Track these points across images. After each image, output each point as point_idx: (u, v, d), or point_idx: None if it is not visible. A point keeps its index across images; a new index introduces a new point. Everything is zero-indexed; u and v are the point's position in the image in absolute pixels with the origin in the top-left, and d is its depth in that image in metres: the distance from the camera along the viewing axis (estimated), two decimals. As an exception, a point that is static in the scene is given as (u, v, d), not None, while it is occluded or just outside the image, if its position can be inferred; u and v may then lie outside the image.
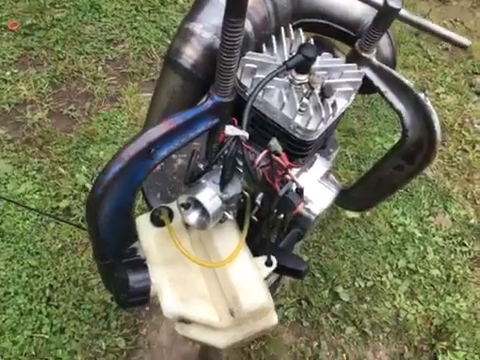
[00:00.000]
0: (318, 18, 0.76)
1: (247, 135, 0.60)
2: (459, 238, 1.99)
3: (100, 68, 2.27)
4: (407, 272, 1.87)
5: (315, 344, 1.70)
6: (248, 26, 0.66)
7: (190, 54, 0.65)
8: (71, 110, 2.12)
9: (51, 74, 2.21)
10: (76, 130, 2.06)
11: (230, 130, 0.59)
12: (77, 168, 1.95)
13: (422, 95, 0.72)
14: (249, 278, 0.68)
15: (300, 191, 0.68)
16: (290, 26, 0.70)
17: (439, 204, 2.08)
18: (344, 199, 1.07)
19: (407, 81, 0.73)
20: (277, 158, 0.64)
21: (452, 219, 2.05)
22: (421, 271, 1.87)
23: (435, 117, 0.71)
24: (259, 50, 0.69)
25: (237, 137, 0.60)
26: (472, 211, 2.09)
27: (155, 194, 0.90)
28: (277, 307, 1.74)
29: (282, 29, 0.69)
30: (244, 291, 0.66)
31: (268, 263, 0.73)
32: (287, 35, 0.70)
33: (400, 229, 1.95)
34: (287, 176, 0.67)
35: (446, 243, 1.97)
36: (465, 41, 0.67)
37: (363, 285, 1.82)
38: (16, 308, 1.60)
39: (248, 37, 0.67)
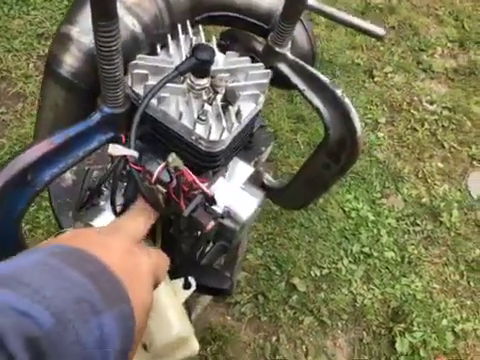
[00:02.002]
0: (224, 10, 0.69)
1: (136, 154, 0.52)
2: (412, 218, 2.00)
3: (31, 65, 2.12)
4: (362, 257, 1.86)
5: (274, 338, 1.67)
6: (136, 26, 0.58)
7: (70, 62, 0.57)
8: (2, 113, 1.97)
9: (-23, 75, 2.05)
10: (8, 134, 1.92)
11: (114, 149, 0.51)
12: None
13: (339, 91, 0.66)
14: (161, 307, 0.61)
15: (212, 203, 0.62)
16: (188, 23, 0.63)
17: (391, 185, 2.07)
18: (279, 197, 1.02)
19: (323, 77, 0.67)
20: (182, 173, 0.57)
21: (404, 200, 2.05)
22: (376, 254, 1.87)
23: (354, 114, 0.66)
24: (154, 52, 0.62)
25: (124, 157, 0.52)
26: (424, 190, 2.10)
27: (67, 213, 0.81)
28: (234, 304, 1.70)
29: (179, 27, 0.61)
30: (156, 323, 0.60)
31: (186, 286, 0.67)
32: (185, 33, 0.62)
33: (353, 214, 1.94)
34: (194, 192, 0.60)
35: (399, 224, 1.97)
36: (379, 30, 0.61)
37: (319, 274, 1.80)
38: None
39: (137, 38, 0.59)
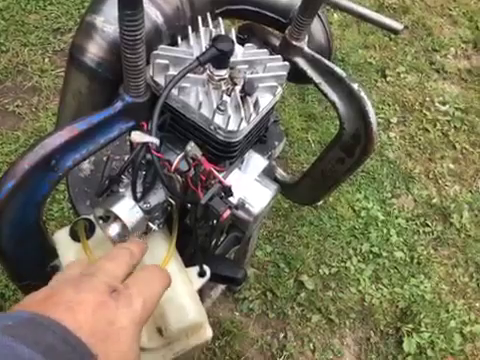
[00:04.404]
0: (243, 4, 0.70)
1: (157, 141, 0.54)
2: (422, 219, 1.99)
3: (47, 60, 2.15)
4: (371, 256, 1.86)
5: (281, 335, 1.68)
6: (158, 17, 0.59)
7: (94, 51, 0.58)
8: (17, 106, 2.00)
9: (-6, 68, 2.08)
10: (23, 127, 1.94)
11: (137, 136, 0.53)
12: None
13: (356, 85, 0.67)
14: (177, 293, 0.62)
15: (228, 194, 0.63)
16: (208, 15, 0.64)
17: (401, 185, 2.07)
18: (291, 193, 1.03)
19: (340, 71, 0.68)
20: (200, 162, 0.59)
21: (415, 200, 2.04)
22: (385, 254, 1.87)
23: (370, 108, 0.67)
24: (175, 43, 0.63)
25: (146, 144, 0.54)
26: (434, 190, 2.09)
27: (84, 202, 0.83)
28: (242, 300, 1.71)
29: (199, 19, 0.63)
30: (171, 308, 0.61)
31: (201, 274, 0.68)
32: (205, 25, 0.63)
33: (363, 213, 1.94)
34: (211, 181, 0.61)
35: (409, 224, 1.97)
36: (397, 25, 0.62)
37: (328, 272, 1.80)
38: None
39: (159, 29, 0.60)
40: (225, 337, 1.61)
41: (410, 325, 1.73)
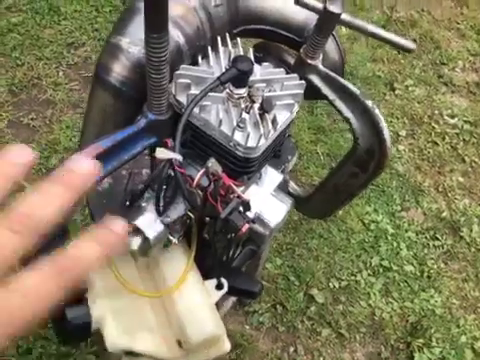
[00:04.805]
0: (260, 24, 0.72)
1: (180, 158, 0.55)
2: (432, 232, 1.99)
3: (61, 73, 2.19)
4: (381, 270, 1.86)
5: (291, 349, 1.67)
6: (179, 38, 0.61)
7: (119, 71, 0.60)
8: (32, 119, 2.04)
9: (9, 82, 2.13)
10: (38, 140, 1.98)
11: (161, 153, 0.55)
12: (39, 180, 1.87)
13: (370, 102, 0.69)
14: (196, 306, 0.64)
15: (246, 208, 0.64)
16: (227, 35, 0.66)
17: (411, 199, 2.07)
18: (304, 207, 1.04)
19: (354, 88, 0.70)
20: (219, 177, 0.60)
21: (424, 213, 2.04)
22: (395, 268, 1.86)
23: (383, 125, 0.68)
24: (195, 62, 0.65)
25: (170, 160, 0.55)
26: (444, 204, 2.09)
27: (102, 215, 0.85)
28: (252, 313, 1.71)
29: (218, 39, 0.65)
30: (191, 320, 0.62)
31: (219, 286, 0.69)
32: (224, 45, 0.65)
33: (373, 226, 1.94)
34: (231, 196, 0.63)
35: (419, 238, 1.97)
36: (409, 44, 0.64)
37: (338, 285, 1.80)
38: (-22, 331, 1.53)
39: (181, 50, 0.62)
40: (235, 350, 1.61)
41: (421, 340, 1.71)
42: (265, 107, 0.61)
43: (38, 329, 1.48)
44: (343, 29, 2.67)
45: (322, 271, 1.82)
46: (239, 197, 0.62)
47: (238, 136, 0.60)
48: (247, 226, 0.62)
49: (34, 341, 1.54)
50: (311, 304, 1.75)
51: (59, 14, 2.39)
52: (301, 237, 1.89)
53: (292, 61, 0.79)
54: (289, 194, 1.02)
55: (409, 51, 0.66)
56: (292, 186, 1.06)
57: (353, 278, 1.82)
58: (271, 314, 1.72)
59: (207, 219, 0.67)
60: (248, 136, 0.59)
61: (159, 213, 0.60)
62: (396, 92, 2.44)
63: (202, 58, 0.65)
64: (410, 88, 2.47)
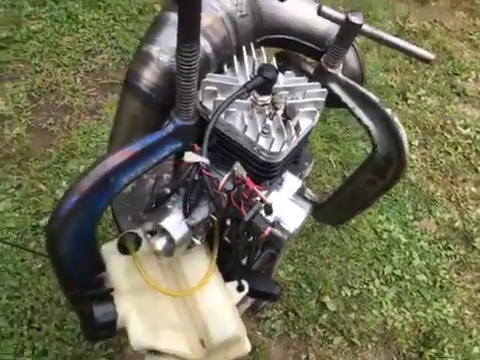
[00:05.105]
0: (283, 34, 0.75)
1: (207, 161, 0.58)
2: (444, 242, 1.98)
3: (79, 80, 2.24)
4: (394, 279, 1.85)
5: (303, 356, 1.67)
6: (207, 47, 0.64)
7: (149, 77, 0.63)
8: (50, 124, 2.09)
9: (29, 88, 2.18)
10: (55, 145, 2.02)
11: (189, 157, 0.57)
12: (57, 184, 1.91)
13: (389, 111, 0.70)
14: (218, 306, 0.66)
15: (268, 212, 0.66)
16: (252, 45, 0.68)
17: (423, 208, 2.07)
18: (319, 212, 1.05)
19: (374, 97, 0.72)
20: (244, 181, 0.62)
21: (437, 223, 2.04)
22: (407, 277, 1.86)
23: (402, 133, 0.70)
24: (221, 70, 0.68)
25: (197, 163, 0.58)
26: (456, 214, 2.09)
27: (126, 217, 0.87)
28: (264, 320, 1.72)
29: (243, 48, 0.67)
30: (213, 321, 0.64)
31: (240, 288, 0.71)
32: (249, 54, 0.68)
33: (385, 235, 1.94)
34: (254, 199, 0.65)
35: (431, 248, 1.96)
36: (428, 55, 0.66)
37: (350, 294, 1.80)
38: (-4, 332, 1.56)
39: (208, 58, 0.65)
40: (247, 356, 1.62)
41: (433, 350, 1.71)
42: (288, 114, 0.63)
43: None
44: (356, 38, 2.69)
45: (334, 279, 1.82)
46: (262, 201, 0.64)
47: (262, 141, 0.62)
48: (269, 229, 0.64)
49: (49, 343, 1.57)
50: (323, 312, 1.75)
51: (77, 22, 2.44)
52: (313, 245, 1.90)
53: (311, 70, 0.81)
54: (305, 200, 1.04)
55: (428, 61, 0.68)
56: (308, 192, 1.08)
57: (365, 287, 1.82)
58: (283, 321, 1.72)
59: (228, 223, 0.69)
60: (272, 142, 0.61)
61: (186, 215, 0.62)
62: (409, 102, 2.45)
63: (227, 66, 0.68)
64: (423, 98, 2.48)
